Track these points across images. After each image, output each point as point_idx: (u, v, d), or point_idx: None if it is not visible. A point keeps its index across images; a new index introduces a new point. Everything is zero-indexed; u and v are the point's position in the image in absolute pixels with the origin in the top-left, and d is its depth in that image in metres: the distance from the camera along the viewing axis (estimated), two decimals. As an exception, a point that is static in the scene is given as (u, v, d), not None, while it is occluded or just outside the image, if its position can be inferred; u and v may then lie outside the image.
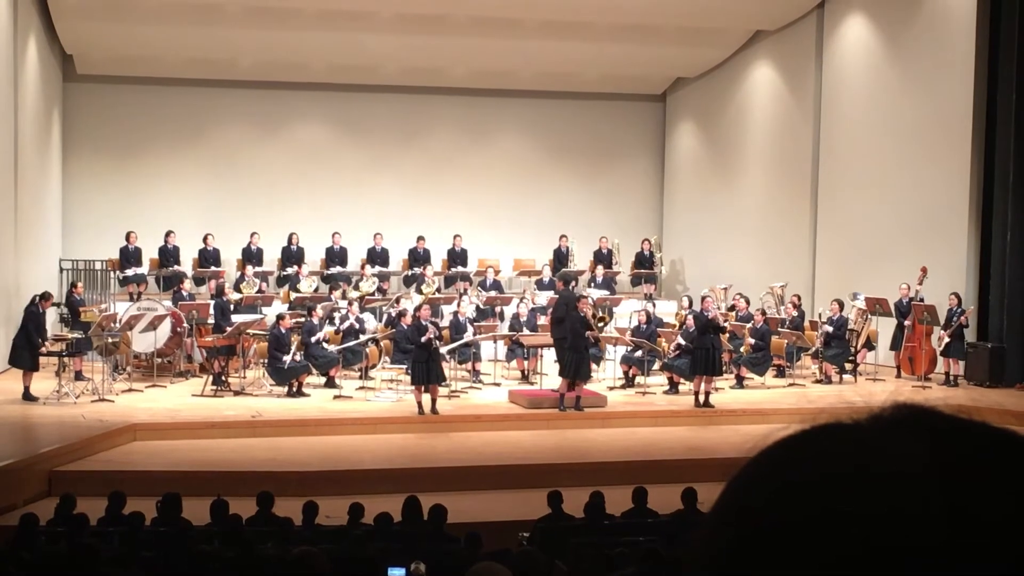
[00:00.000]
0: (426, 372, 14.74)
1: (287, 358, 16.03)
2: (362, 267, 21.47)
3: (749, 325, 17.72)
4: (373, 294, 20.34)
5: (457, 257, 22.61)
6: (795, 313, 18.46)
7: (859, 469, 0.77)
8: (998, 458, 0.78)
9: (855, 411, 0.84)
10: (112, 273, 21.10)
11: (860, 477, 0.77)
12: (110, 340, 16.46)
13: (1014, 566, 0.73)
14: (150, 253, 21.29)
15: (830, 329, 17.68)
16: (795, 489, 0.78)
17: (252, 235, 21.71)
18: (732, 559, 0.79)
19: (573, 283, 21.37)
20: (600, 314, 16.57)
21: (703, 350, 15.73)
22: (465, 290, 20.57)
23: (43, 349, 15.67)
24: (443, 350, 15.86)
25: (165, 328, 17.19)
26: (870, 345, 18.55)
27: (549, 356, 17.00)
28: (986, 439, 0.80)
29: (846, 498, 0.76)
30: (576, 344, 15.24)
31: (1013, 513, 0.74)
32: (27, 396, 15.17)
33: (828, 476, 0.78)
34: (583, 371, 15.32)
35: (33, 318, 15.58)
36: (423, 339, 14.75)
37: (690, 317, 16.63)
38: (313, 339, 16.48)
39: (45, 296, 15.94)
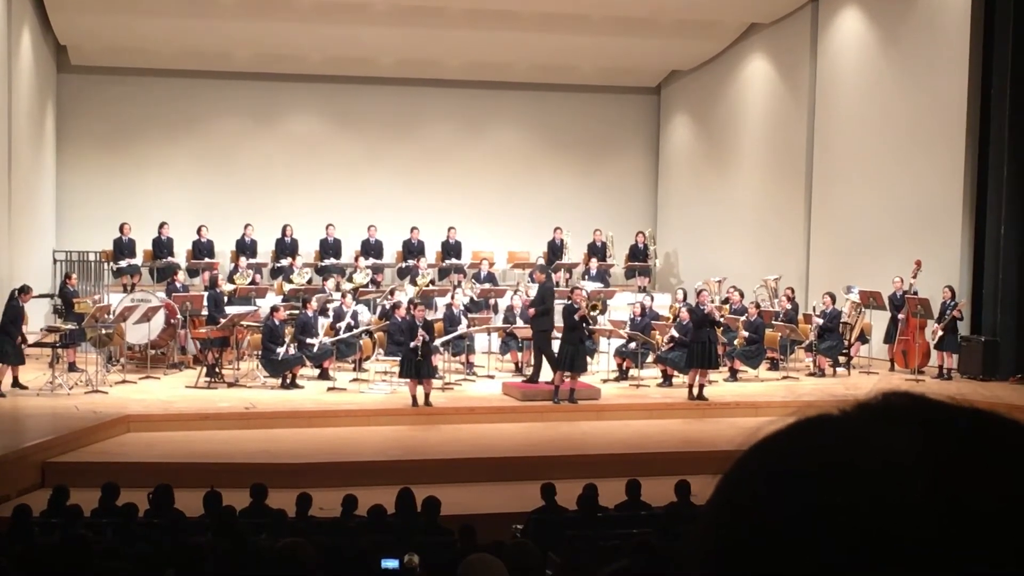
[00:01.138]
0: (415, 368, 14.71)
1: (281, 350, 16.03)
2: (356, 259, 21.44)
3: (743, 318, 17.72)
4: (367, 286, 20.31)
5: (451, 249, 22.60)
6: (789, 306, 18.47)
7: (850, 461, 0.77)
8: (990, 445, 0.78)
9: (844, 402, 0.83)
10: (106, 264, 21.06)
11: (852, 469, 0.76)
12: (104, 331, 16.45)
13: (1009, 555, 0.72)
14: (144, 244, 21.24)
15: (821, 321, 17.70)
16: (787, 483, 0.78)
17: (246, 227, 21.68)
18: (727, 555, 0.79)
19: (569, 275, 21.42)
20: (595, 302, 16.57)
21: (699, 343, 15.71)
22: (459, 282, 20.55)
23: (18, 340, 15.49)
24: (437, 342, 15.82)
25: (159, 320, 17.17)
26: (864, 338, 18.57)
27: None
28: (977, 425, 0.79)
29: (838, 490, 0.76)
30: (570, 336, 15.23)
31: (1007, 501, 0.74)
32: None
33: (819, 469, 0.77)
34: (578, 363, 15.31)
35: (11, 311, 15.43)
36: (411, 344, 14.71)
37: (684, 310, 16.63)
38: (308, 340, 16.47)
39: (24, 289, 15.76)
